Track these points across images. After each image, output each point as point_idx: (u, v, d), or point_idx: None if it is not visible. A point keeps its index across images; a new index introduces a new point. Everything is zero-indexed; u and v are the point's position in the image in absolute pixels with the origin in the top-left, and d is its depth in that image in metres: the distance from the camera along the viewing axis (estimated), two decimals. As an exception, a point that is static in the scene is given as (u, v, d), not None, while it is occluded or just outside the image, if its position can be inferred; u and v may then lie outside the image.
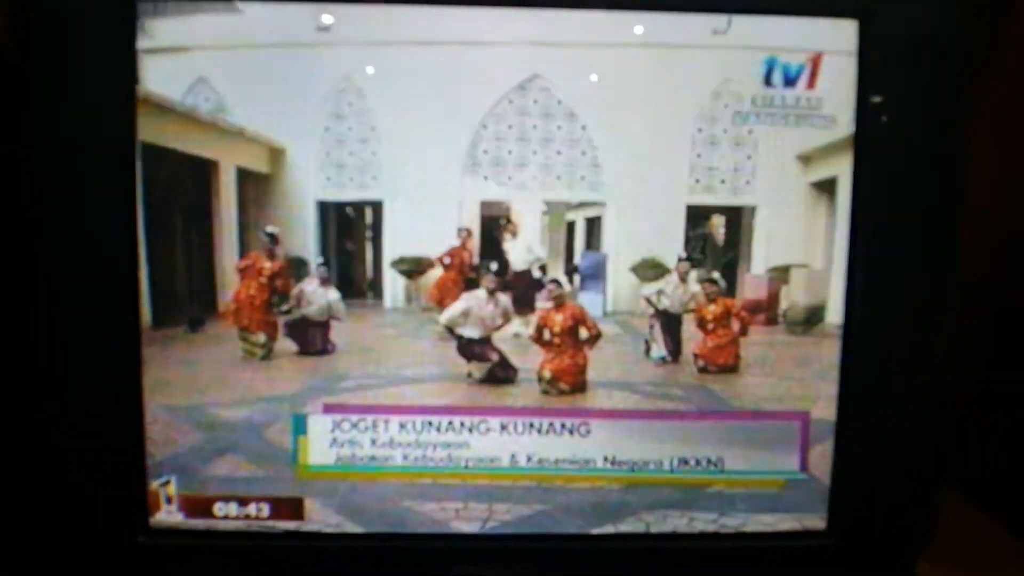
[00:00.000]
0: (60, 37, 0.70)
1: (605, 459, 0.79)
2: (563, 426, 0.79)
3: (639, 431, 0.79)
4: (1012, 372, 0.99)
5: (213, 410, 0.80)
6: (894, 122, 0.72)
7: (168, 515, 0.76)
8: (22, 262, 0.70)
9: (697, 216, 0.85)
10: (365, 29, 0.78)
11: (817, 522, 0.79)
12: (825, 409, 0.79)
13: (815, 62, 0.76)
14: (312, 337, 0.86)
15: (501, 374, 0.85)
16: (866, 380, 0.76)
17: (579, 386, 0.84)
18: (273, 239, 0.82)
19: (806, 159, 0.80)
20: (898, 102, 0.72)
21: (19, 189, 0.70)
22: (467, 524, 0.78)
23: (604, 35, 0.79)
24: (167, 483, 0.76)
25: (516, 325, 0.87)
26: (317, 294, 0.86)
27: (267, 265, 0.83)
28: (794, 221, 0.82)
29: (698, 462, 0.79)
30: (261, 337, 0.85)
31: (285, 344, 0.86)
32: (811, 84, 0.76)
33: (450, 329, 0.86)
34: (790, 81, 0.76)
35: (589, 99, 0.83)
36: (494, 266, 0.86)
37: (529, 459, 0.79)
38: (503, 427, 0.79)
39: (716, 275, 0.87)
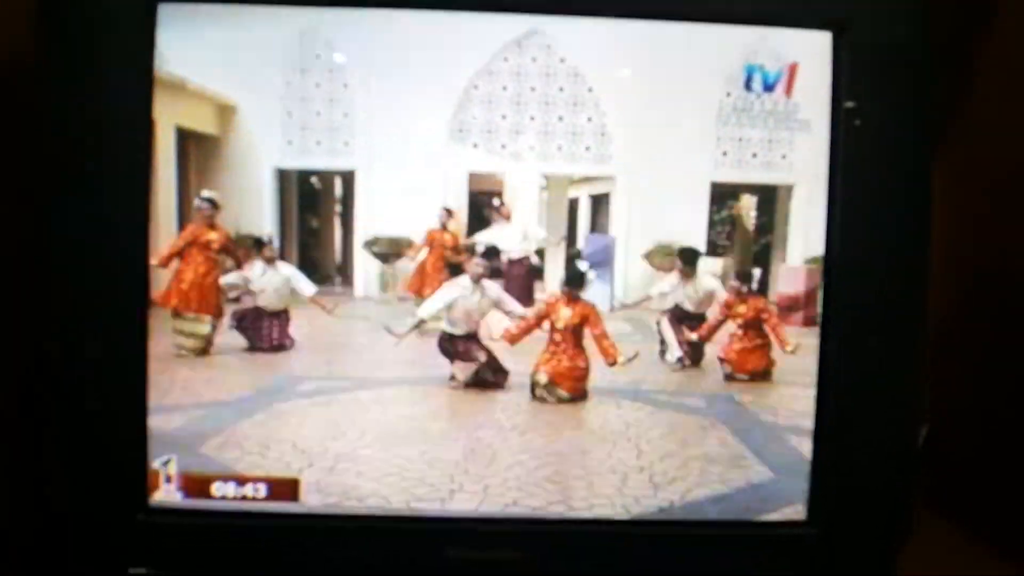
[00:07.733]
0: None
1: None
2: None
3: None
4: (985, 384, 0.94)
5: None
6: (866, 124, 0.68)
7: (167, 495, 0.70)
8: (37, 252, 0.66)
9: (723, 195, 0.75)
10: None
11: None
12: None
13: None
14: (267, 330, 0.75)
15: (489, 377, 0.75)
16: (844, 378, 0.69)
17: (580, 393, 0.73)
18: (213, 205, 0.71)
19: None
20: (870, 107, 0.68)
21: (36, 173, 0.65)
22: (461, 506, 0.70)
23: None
24: (168, 462, 0.70)
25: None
26: (266, 277, 0.74)
27: (213, 237, 0.72)
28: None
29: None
30: (205, 327, 0.72)
31: (230, 339, 0.74)
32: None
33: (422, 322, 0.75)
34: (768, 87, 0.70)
35: (597, 57, 0.72)
36: (480, 248, 0.75)
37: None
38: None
39: (755, 271, 0.78)
